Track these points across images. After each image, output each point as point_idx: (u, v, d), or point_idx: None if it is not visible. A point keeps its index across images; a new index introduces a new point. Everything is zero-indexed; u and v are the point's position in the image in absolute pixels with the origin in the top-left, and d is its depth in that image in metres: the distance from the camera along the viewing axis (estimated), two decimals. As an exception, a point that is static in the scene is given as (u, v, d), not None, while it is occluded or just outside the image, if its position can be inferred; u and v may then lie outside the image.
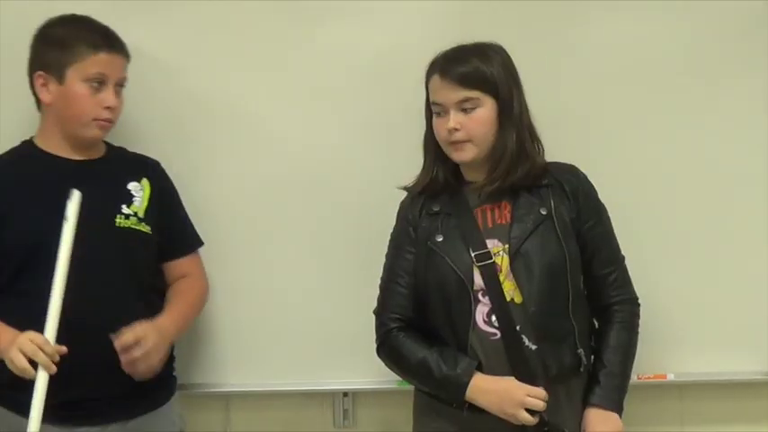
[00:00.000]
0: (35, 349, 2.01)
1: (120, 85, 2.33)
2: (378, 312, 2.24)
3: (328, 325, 2.55)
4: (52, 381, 2.06)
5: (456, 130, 2.11)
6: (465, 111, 2.12)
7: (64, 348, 2.03)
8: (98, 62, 2.26)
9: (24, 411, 2.11)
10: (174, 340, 2.42)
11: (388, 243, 2.33)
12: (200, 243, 2.52)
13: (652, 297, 2.38)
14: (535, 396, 2.10)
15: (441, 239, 2.18)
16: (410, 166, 2.28)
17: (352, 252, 2.60)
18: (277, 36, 2.59)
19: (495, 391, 2.13)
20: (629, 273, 2.28)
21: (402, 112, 2.42)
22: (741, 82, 2.63)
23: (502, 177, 2.14)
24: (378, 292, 2.29)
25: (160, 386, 2.40)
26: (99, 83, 2.27)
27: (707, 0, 2.65)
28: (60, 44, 2.28)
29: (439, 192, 2.24)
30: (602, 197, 2.29)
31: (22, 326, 2.10)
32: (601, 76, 2.64)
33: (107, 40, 2.31)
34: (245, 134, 2.61)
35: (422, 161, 2.30)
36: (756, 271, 2.64)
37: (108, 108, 2.28)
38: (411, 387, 2.32)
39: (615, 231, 2.30)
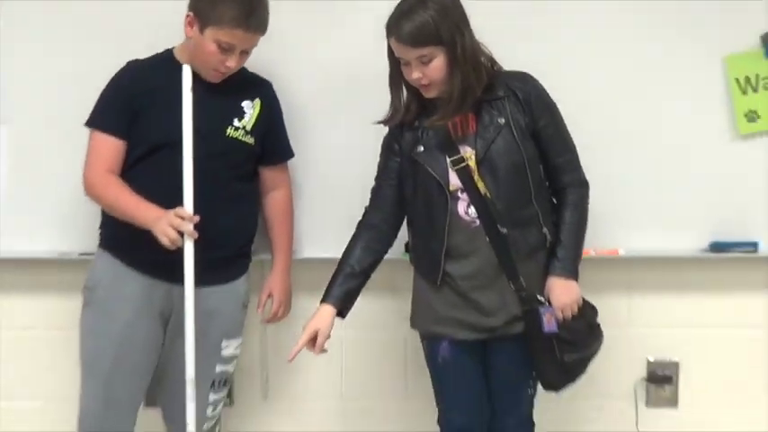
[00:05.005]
0: (181, 222, 2.34)
1: (245, 52, 2.51)
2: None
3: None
4: (160, 245, 2.38)
5: (420, 79, 2.35)
6: (423, 62, 2.32)
7: (197, 217, 2.35)
8: (232, 35, 2.45)
9: (136, 265, 2.55)
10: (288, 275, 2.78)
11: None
12: (292, 155, 2.77)
13: (610, 184, 2.70)
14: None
15: (421, 150, 2.43)
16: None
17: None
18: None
19: None
20: (582, 161, 2.48)
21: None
22: (696, 40, 2.84)
23: (451, 114, 2.39)
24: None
25: (238, 262, 2.70)
26: (228, 48, 2.47)
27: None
28: (212, 4, 2.45)
29: (413, 120, 2.47)
30: (569, 105, 2.47)
31: (147, 197, 2.45)
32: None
33: (248, 20, 2.46)
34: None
35: None
36: (696, 163, 2.88)
37: (227, 66, 2.49)
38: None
39: (573, 127, 2.47)
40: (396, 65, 2.38)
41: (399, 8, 2.31)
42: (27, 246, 2.90)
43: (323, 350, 2.41)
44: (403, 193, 2.48)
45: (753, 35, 2.82)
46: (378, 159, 2.54)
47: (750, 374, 3.06)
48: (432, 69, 2.30)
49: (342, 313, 2.43)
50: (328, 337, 2.41)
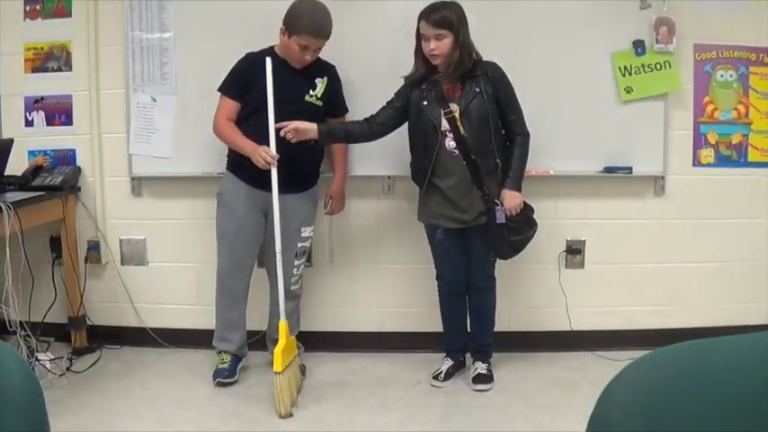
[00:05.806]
0: (266, 156, 3.09)
1: (317, 50, 3.15)
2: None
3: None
4: (262, 170, 3.08)
5: (433, 49, 2.96)
6: (438, 39, 2.93)
7: (278, 155, 3.09)
8: (307, 40, 3.12)
9: (246, 180, 3.24)
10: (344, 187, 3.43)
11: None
12: (347, 111, 3.39)
13: (545, 131, 3.34)
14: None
15: (426, 103, 3.04)
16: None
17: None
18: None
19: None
20: (526, 117, 3.12)
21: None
22: (595, 43, 3.49)
23: (450, 75, 2.98)
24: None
25: (311, 177, 3.42)
26: (305, 48, 3.13)
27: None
28: (295, 22, 3.09)
29: (422, 80, 3.05)
30: (520, 83, 3.14)
31: (254, 140, 3.12)
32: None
33: (317, 31, 3.08)
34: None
35: None
36: (597, 118, 3.51)
37: (305, 59, 3.16)
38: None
39: (519, 96, 3.13)
40: (420, 42, 3.02)
41: (431, 5, 2.99)
42: (187, 168, 3.70)
43: (290, 134, 3.02)
44: (395, 117, 3.10)
45: (628, 41, 3.54)
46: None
47: (627, 247, 3.71)
48: (442, 44, 2.95)
49: (317, 140, 3.07)
50: (297, 128, 3.02)
